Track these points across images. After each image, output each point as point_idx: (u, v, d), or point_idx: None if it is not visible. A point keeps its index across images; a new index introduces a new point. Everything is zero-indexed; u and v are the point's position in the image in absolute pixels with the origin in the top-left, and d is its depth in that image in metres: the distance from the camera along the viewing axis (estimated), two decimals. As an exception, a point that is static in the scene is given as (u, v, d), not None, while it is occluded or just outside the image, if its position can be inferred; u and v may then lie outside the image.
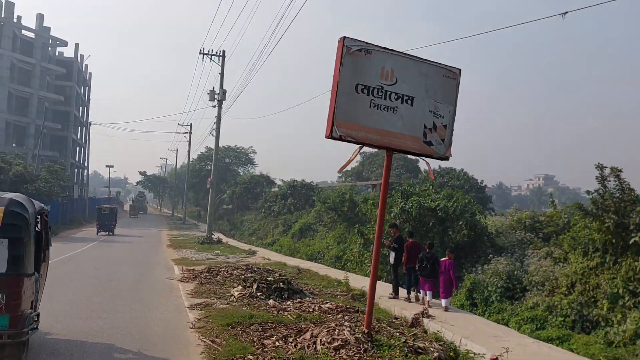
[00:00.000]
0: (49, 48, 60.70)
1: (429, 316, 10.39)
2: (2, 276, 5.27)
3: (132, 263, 18.04)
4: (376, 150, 54.99)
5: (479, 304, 15.52)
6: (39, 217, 6.46)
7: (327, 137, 7.17)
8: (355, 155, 7.02)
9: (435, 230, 18.34)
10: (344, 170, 55.85)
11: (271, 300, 11.02)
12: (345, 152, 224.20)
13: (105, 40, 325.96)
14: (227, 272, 15.14)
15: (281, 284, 12.32)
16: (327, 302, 10.50)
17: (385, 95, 7.44)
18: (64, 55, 66.32)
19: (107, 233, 31.86)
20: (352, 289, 13.65)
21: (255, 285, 12.24)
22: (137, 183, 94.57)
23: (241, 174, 73.95)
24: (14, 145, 54.98)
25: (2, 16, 52.82)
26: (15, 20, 54.34)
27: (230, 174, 67.69)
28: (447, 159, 7.65)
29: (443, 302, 11.55)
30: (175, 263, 18.60)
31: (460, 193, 20.22)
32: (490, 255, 16.92)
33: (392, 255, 12.73)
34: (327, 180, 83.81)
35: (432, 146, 7.62)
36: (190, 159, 62.97)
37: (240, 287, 12.43)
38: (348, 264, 23.33)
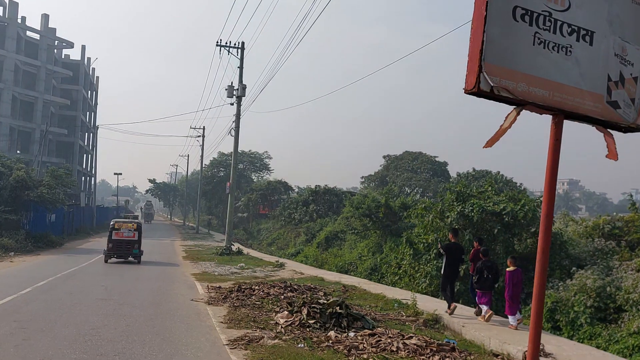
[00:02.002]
0: (55, 50, 59.19)
1: (546, 354, 7.90)
2: None
3: (146, 279, 15.77)
4: (401, 153, 52.62)
5: (564, 327, 13.15)
6: None
7: (468, 91, 4.53)
8: (511, 124, 4.51)
9: (501, 239, 15.90)
10: (368, 176, 53.66)
11: (332, 332, 8.63)
12: (368, 157, 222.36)
13: (109, 42, 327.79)
14: (262, 290, 12.81)
15: (337, 308, 9.92)
16: (410, 336, 8.06)
17: (555, 26, 4.83)
18: (70, 57, 64.83)
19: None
20: (419, 312, 11.22)
21: (305, 310, 9.85)
22: (147, 191, 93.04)
23: (255, 180, 72.07)
24: (18, 152, 53.29)
25: (6, 16, 51.33)
26: (19, 20, 52.82)
27: (245, 181, 65.71)
28: (637, 129, 5.05)
29: (511, 319, 10.33)
30: (197, 279, 16.32)
31: (527, 196, 17.78)
32: (573, 269, 14.48)
33: (443, 263, 11.68)
34: (344, 187, 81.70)
35: (619, 109, 5.02)
36: (203, 165, 60.93)
37: (286, 313, 10.05)
38: (387, 276, 21.14)
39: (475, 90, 4.35)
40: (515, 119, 4.67)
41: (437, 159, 49.51)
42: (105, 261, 21.27)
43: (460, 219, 16.43)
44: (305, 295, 12.16)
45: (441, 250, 11.85)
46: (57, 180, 28.92)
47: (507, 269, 10.62)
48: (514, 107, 4.70)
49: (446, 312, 11.09)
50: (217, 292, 13.12)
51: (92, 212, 49.26)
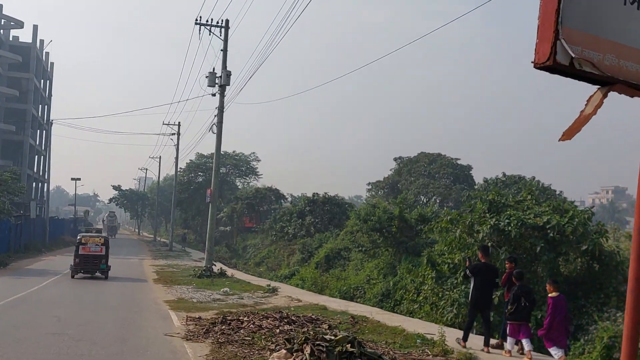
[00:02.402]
0: (1, 31, 58.75)
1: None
2: None
3: (109, 308, 15.25)
4: (416, 155, 52.68)
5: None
6: None
7: (540, 65, 4.07)
8: (596, 109, 4.07)
9: (545, 259, 15.45)
10: (376, 182, 53.28)
11: (344, 378, 8.12)
12: (376, 162, 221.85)
13: (65, 22, 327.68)
14: (252, 322, 12.33)
15: (348, 345, 9.41)
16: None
17: (657, -21, 4.38)
18: (20, 40, 64.32)
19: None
20: (448, 350, 10.73)
21: (308, 349, 9.33)
22: (110, 200, 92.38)
23: (240, 187, 71.76)
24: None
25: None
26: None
27: (228, 187, 65.39)
28: None
29: (555, 353, 10.23)
30: (171, 307, 15.82)
31: (574, 206, 17.37)
32: None
33: (472, 286, 11.65)
34: (346, 196, 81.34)
35: None
36: (178, 169, 60.48)
37: (284, 352, 9.54)
38: (403, 304, 20.67)
39: (550, 63, 3.87)
40: (601, 103, 4.21)
41: (458, 162, 49.24)
42: (72, 277, 23.69)
43: (494, 235, 16.01)
44: (306, 329, 11.67)
45: (468, 272, 11.66)
46: (1, 187, 28.35)
47: (550, 295, 10.43)
48: (598, 87, 4.24)
49: (458, 342, 11.14)
50: (196, 325, 12.61)
51: (45, 225, 48.66)
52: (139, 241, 73.28)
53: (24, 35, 65.19)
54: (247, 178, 71.50)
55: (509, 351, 10.70)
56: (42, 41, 66.65)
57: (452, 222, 17.21)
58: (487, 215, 16.66)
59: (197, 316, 13.78)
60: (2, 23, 57.77)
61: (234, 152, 69.03)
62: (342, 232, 35.12)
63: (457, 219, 17.22)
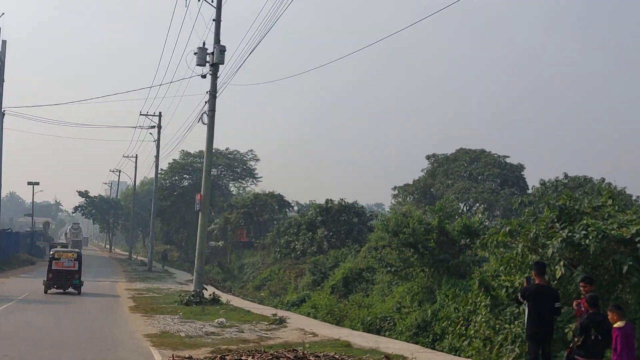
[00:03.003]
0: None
1: None
2: None
3: (75, 345, 14.56)
4: (454, 152, 51.69)
5: None
6: None
7: None
8: None
9: (635, 281, 14.63)
10: (404, 186, 52.53)
11: None
12: (401, 162, 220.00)
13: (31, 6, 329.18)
14: (258, 364, 11.61)
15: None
16: None
17: None
18: (-35, 12, 64.15)
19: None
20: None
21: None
22: (76, 209, 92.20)
23: (234, 193, 71.35)
24: None
25: None
26: None
27: (220, 192, 64.93)
28: None
29: None
30: (154, 344, 15.18)
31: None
32: None
33: (525, 313, 11.55)
34: (366, 204, 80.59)
35: None
36: (159, 171, 59.92)
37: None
38: (447, 338, 19.96)
39: None
40: None
41: (507, 160, 48.50)
42: (45, 292, 28.49)
43: (566, 250, 15.20)
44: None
45: (519, 296, 11.58)
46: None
47: (616, 326, 9.88)
48: None
49: None
50: (187, 369, 11.94)
51: (-6, 239, 48.27)
52: (110, 259, 72.80)
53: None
54: (244, 182, 71.20)
55: None
56: (-8, 14, 66.36)
57: (512, 235, 16.40)
58: (557, 225, 15.87)
59: (186, 356, 13.10)
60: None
61: (227, 149, 68.78)
62: (363, 248, 34.58)
63: (518, 231, 16.41)
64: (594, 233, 14.85)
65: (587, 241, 14.86)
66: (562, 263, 14.88)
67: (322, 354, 12.78)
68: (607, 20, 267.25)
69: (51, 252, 30.76)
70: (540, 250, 16.24)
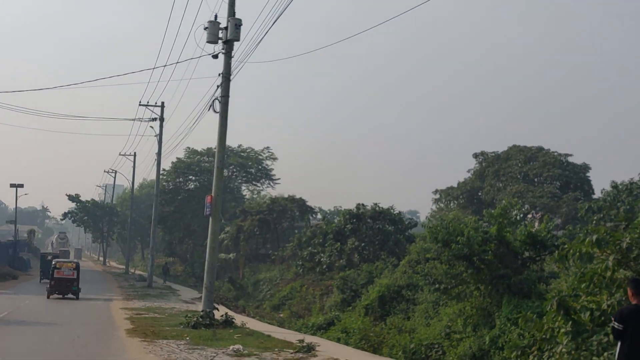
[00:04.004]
0: None
1: None
2: None
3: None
4: (505, 150, 50.54)
5: None
6: None
7: None
8: None
9: None
10: (447, 190, 51.43)
11: None
12: (445, 162, 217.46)
13: None
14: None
15: None
16: None
17: None
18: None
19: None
20: None
21: None
22: (65, 215, 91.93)
23: (247, 197, 70.65)
24: None
25: None
26: None
27: (231, 197, 64.16)
28: None
29: None
30: (156, 378, 14.04)
31: None
32: None
33: (618, 347, 10.80)
34: (417, 212, 79.58)
35: None
36: (160, 171, 59.15)
37: None
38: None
39: None
40: None
41: (569, 159, 47.26)
42: (48, 297, 36.62)
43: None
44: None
45: (615, 324, 10.59)
46: None
47: None
48: None
49: None
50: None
51: (-29, 249, 47.77)
52: (104, 273, 72.54)
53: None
54: (258, 184, 70.51)
55: None
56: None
57: (600, 245, 15.13)
58: (641, 231, 14.67)
59: (198, 394, 12.00)
60: None
61: (239, 146, 68.04)
62: (402, 262, 33.75)
63: (607, 240, 15.15)
64: None
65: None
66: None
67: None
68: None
69: (53, 263, 39.68)
70: (632, 264, 15.10)
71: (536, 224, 38.67)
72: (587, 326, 15.34)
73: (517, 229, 24.10)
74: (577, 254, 15.84)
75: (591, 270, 15.78)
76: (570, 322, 15.41)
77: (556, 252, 18.70)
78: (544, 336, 16.70)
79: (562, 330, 15.56)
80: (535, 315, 17.97)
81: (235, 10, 25.80)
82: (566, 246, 16.85)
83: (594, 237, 15.25)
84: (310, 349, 19.44)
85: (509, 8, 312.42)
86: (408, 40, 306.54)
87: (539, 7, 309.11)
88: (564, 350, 15.10)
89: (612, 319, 10.98)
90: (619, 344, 10.65)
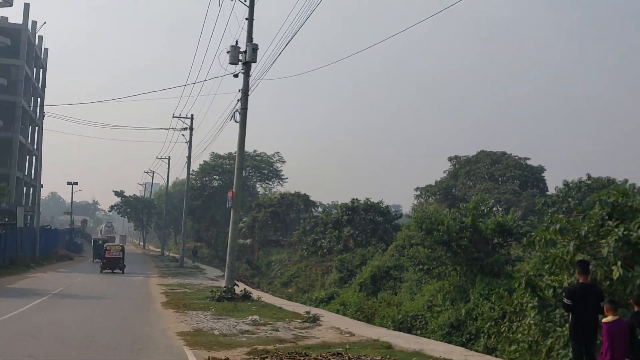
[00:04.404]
0: (-13, 10, 57.62)
1: None
2: None
3: (104, 344, 12.89)
4: (475, 154, 49.59)
5: None
6: None
7: None
8: None
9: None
10: (426, 187, 50.74)
11: None
12: (425, 164, 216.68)
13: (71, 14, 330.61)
14: (303, 371, 9.88)
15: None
16: None
17: None
18: (9, 21, 63.16)
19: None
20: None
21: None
22: (112, 208, 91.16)
23: (260, 193, 69.90)
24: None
25: None
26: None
27: (248, 193, 63.32)
28: None
29: None
30: (188, 343, 13.46)
31: None
32: None
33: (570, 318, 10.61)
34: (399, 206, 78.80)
35: None
36: (190, 171, 58.55)
37: None
38: (482, 338, 18.25)
39: None
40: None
41: (528, 162, 46.50)
42: (101, 272, 39.44)
43: (622, 249, 13.33)
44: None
45: (565, 300, 10.58)
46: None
47: (603, 320, 9.58)
48: None
49: None
50: (224, 372, 10.24)
51: (35, 235, 47.05)
52: (143, 256, 71.70)
53: (13, 16, 64.16)
54: (270, 182, 69.64)
55: None
56: (34, 23, 65.48)
57: (562, 233, 14.54)
58: (610, 223, 13.99)
59: (223, 358, 11.42)
60: (-12, 1, 56.59)
61: (254, 151, 67.25)
62: (390, 247, 32.93)
63: (568, 228, 14.56)
64: (656, 232, 13.03)
65: (647, 240, 13.04)
66: (619, 263, 13.05)
67: (370, 359, 11.01)
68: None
69: (105, 246, 43.37)
70: (588, 249, 14.47)
71: (500, 216, 38.06)
72: (551, 301, 14.73)
73: (487, 220, 23.41)
74: (543, 240, 15.28)
75: (553, 253, 15.18)
76: (536, 298, 14.82)
77: (525, 238, 18.15)
78: (513, 309, 16.15)
79: (530, 304, 14.97)
80: (505, 291, 17.43)
81: (253, 37, 25.28)
82: (533, 233, 16.29)
83: (557, 226, 14.66)
84: (315, 319, 18.89)
85: (476, 37, 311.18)
86: (395, 59, 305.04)
87: (497, 35, 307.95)
88: (531, 322, 14.52)
89: (563, 295, 10.92)
90: (570, 315, 10.46)
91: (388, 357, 12.04)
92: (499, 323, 16.74)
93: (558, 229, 14.64)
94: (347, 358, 10.73)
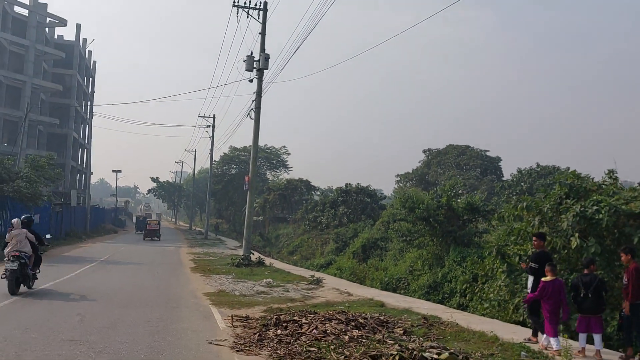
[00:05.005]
0: (46, 29, 56.40)
1: None
2: None
3: (142, 303, 12.24)
4: (445, 147, 48.56)
5: None
6: None
7: None
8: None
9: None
10: (405, 174, 50.01)
11: None
12: (405, 154, 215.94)
13: (99, 17, 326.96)
14: (313, 325, 9.20)
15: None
16: None
17: None
18: (64, 38, 62.01)
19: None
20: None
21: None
22: (149, 191, 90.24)
23: (270, 180, 69.04)
24: (5, 144, 50.50)
25: (-10, -11, 48.64)
26: (5, -7, 50.10)
27: (260, 179, 62.44)
28: None
29: (553, 342, 8.83)
30: (212, 302, 12.81)
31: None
32: None
33: (530, 280, 9.93)
34: (381, 190, 78.36)
35: None
36: (213, 161, 57.71)
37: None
38: (455, 296, 17.66)
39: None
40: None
41: (487, 154, 45.71)
42: (144, 239, 42.01)
43: (579, 223, 12.69)
44: (381, 336, 8.56)
45: (532, 264, 9.86)
46: (38, 172, 25.59)
47: (543, 279, 9.23)
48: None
49: (529, 339, 9.59)
50: (245, 327, 9.57)
51: (86, 213, 46.19)
52: (175, 230, 70.92)
53: (67, 34, 62.98)
54: (278, 170, 68.71)
55: (598, 351, 8.71)
56: (84, 40, 64.25)
57: (529, 209, 13.87)
58: (568, 201, 13.34)
59: (244, 315, 10.75)
60: (47, 21, 55.35)
61: (265, 145, 66.19)
62: (377, 222, 32.22)
63: (532, 206, 13.90)
64: (606, 208, 12.36)
65: (600, 215, 12.37)
66: (577, 235, 12.41)
67: (368, 315, 10.35)
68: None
69: (146, 221, 46.71)
70: (549, 223, 13.82)
71: (469, 197, 37.39)
72: (517, 267, 14.13)
73: (459, 200, 22.75)
74: (511, 215, 14.63)
75: (518, 227, 14.57)
76: (505, 264, 14.19)
77: (495, 214, 17.51)
78: (484, 273, 15.53)
79: (500, 270, 14.34)
80: (478, 258, 16.82)
81: (265, 47, 24.43)
82: (503, 210, 15.65)
83: (524, 204, 14.01)
84: (319, 281, 18.28)
85: (451, 57, 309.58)
86: (383, 71, 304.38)
87: (463, 56, 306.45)
88: (502, 284, 13.89)
89: (529, 261, 10.33)
90: (531, 277, 9.89)
91: (383, 314, 11.40)
92: (472, 285, 16.16)
93: (525, 206, 14.01)
94: (350, 315, 10.01)
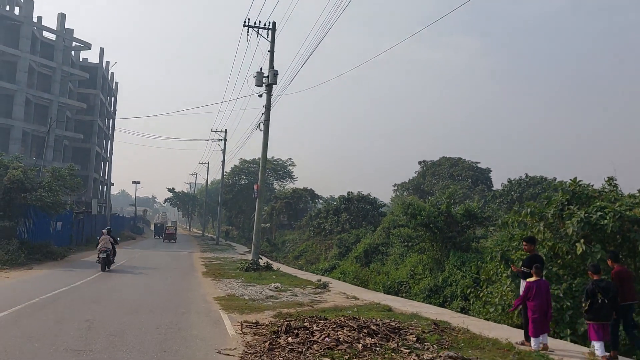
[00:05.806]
0: (72, 52, 55.74)
1: None
2: None
3: (151, 309, 11.17)
4: (438, 159, 47.40)
5: None
6: None
7: None
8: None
9: (651, 256, 11.07)
10: (402, 184, 48.97)
11: None
12: (401, 165, 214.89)
13: (120, 40, 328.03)
14: (324, 333, 8.14)
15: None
16: None
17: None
18: (88, 61, 61.38)
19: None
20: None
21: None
22: (166, 201, 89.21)
23: (277, 189, 68.00)
24: (34, 158, 49.60)
25: (21, 15, 48.01)
26: (35, 20, 49.48)
27: (267, 189, 61.39)
28: None
29: (533, 342, 8.27)
30: (222, 307, 11.74)
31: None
32: None
33: (522, 284, 9.18)
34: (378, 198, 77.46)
35: None
36: (224, 172, 56.75)
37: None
38: (455, 300, 16.57)
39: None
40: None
41: (478, 165, 44.67)
42: (163, 241, 46.46)
43: (584, 229, 11.66)
44: (403, 348, 7.50)
45: (524, 268, 9.20)
46: (59, 182, 24.60)
47: (527, 280, 8.74)
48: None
49: (521, 343, 8.77)
50: (255, 334, 8.51)
51: (106, 220, 45.12)
52: (189, 236, 69.78)
53: (91, 57, 62.39)
54: (284, 181, 67.70)
55: (605, 356, 7.87)
56: (107, 62, 63.63)
57: (532, 215, 12.85)
58: (572, 207, 12.32)
59: (254, 321, 9.68)
60: (73, 45, 54.72)
61: (272, 157, 65.30)
62: (378, 228, 31.11)
63: (536, 212, 12.87)
64: (611, 214, 11.34)
65: (604, 221, 11.35)
66: (582, 241, 11.39)
67: (380, 322, 9.28)
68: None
69: (165, 227, 52.10)
70: (552, 228, 12.79)
71: (467, 204, 36.30)
72: (517, 274, 13.06)
73: (458, 207, 21.73)
74: (515, 222, 13.58)
75: (519, 233, 13.55)
76: (509, 269, 13.13)
77: (499, 219, 16.46)
78: (488, 278, 14.46)
79: (504, 274, 13.28)
80: (480, 262, 15.76)
81: (274, 64, 23.55)
82: (507, 216, 14.60)
83: (529, 210, 12.98)
84: (325, 285, 17.19)
85: (447, 78, 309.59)
86: (385, 86, 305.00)
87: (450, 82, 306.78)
88: (508, 289, 12.81)
89: (522, 265, 9.68)
90: (523, 282, 9.22)
91: (393, 319, 10.34)
92: (476, 289, 15.08)
93: (529, 212, 12.98)
94: (362, 322, 8.95)
